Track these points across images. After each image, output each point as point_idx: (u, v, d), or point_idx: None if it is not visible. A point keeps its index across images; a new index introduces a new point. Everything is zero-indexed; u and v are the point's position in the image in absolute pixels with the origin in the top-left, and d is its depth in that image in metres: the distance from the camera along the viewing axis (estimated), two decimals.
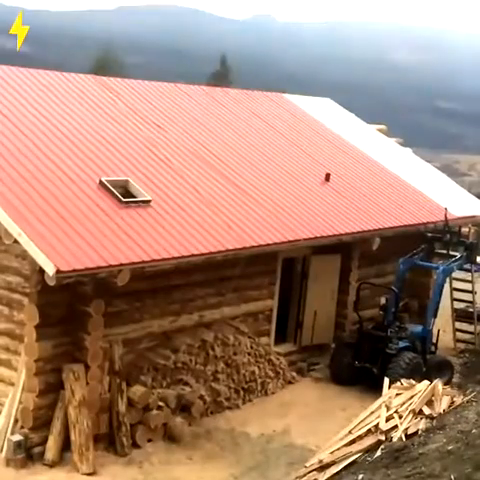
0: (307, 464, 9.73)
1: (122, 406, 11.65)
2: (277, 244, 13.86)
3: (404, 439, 8.98)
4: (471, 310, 18.66)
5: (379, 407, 9.88)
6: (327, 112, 21.54)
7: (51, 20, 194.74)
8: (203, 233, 12.73)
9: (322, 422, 13.26)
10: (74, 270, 10.47)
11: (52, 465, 11.03)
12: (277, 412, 13.74)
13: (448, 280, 17.41)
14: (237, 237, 13.17)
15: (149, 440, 11.99)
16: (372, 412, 9.89)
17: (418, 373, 13.81)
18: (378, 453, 8.83)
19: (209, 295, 13.73)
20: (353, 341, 15.42)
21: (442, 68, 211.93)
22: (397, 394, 10.10)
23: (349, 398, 14.43)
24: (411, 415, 9.42)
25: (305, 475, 9.49)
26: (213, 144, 16.08)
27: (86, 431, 11.11)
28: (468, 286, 18.41)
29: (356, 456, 9.17)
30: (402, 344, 14.91)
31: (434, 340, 15.82)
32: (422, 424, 9.22)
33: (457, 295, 18.69)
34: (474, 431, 8.21)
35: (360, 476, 8.26)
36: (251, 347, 14.18)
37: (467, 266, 17.37)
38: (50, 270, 10.29)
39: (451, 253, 16.87)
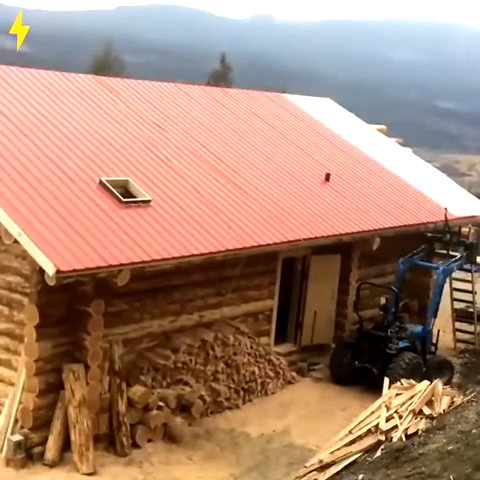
0: (307, 464, 9.72)
1: (122, 406, 11.65)
2: (277, 244, 13.86)
3: (404, 439, 8.96)
4: (471, 310, 18.66)
5: (379, 407, 9.87)
6: (327, 112, 21.54)
7: (51, 20, 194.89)
8: (203, 233, 12.72)
9: (322, 422, 13.27)
10: (74, 270, 10.47)
11: (52, 465, 11.02)
12: (277, 412, 13.73)
13: (448, 280, 17.41)
14: (237, 237, 13.16)
15: (149, 440, 11.98)
16: (372, 412, 9.88)
17: (418, 373, 13.80)
18: (378, 453, 8.81)
19: (209, 295, 13.73)
20: (353, 341, 15.40)
21: (443, 66, 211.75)
22: (397, 394, 10.08)
23: (349, 398, 14.43)
24: (411, 415, 9.41)
25: (305, 475, 9.48)
26: (213, 144, 16.08)
27: (86, 431, 11.10)
28: (468, 286, 18.40)
29: (356, 456, 9.16)
30: (402, 344, 14.89)
31: (434, 340, 15.80)
32: (422, 424, 9.21)
33: (457, 295, 18.69)
34: (474, 431, 8.20)
35: (360, 476, 8.25)
36: (251, 347, 14.17)
37: (467, 266, 17.36)
38: (50, 270, 10.29)
39: (451, 253, 16.85)
